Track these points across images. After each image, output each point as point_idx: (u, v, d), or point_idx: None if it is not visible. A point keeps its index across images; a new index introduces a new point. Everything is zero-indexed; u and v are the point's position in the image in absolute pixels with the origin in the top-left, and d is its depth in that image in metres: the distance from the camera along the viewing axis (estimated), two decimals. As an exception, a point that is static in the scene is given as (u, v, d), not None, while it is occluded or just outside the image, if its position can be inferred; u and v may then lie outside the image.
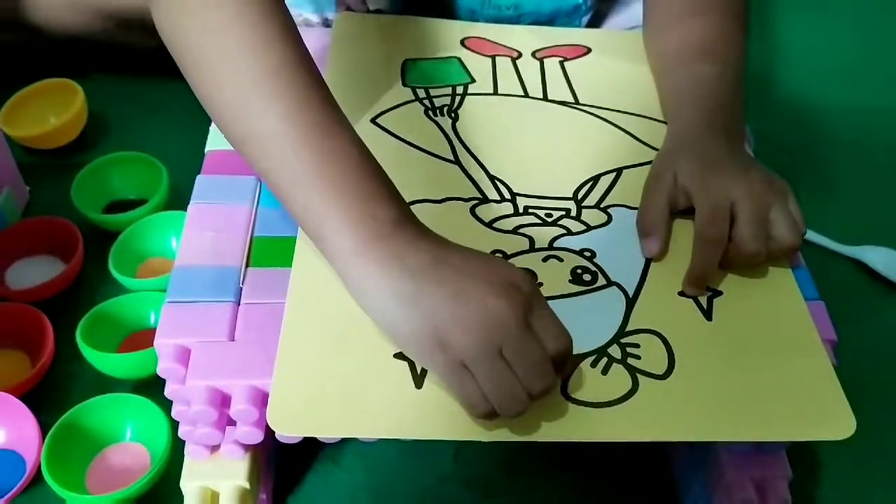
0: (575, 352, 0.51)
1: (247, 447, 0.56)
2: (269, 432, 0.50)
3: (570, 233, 0.58)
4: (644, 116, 0.68)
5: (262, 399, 0.51)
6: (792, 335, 0.54)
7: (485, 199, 0.60)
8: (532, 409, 0.47)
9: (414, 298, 0.46)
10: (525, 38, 0.75)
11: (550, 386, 0.46)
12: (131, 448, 0.64)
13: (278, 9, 0.52)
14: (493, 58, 0.72)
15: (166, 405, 0.56)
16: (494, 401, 0.45)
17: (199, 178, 0.61)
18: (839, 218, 0.87)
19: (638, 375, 0.51)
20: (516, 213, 0.59)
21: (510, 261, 0.56)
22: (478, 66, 0.71)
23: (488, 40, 0.74)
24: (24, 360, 0.70)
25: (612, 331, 0.53)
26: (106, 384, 0.67)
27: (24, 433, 0.63)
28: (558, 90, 0.70)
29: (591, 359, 0.51)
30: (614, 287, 0.55)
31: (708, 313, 0.54)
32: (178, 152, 0.77)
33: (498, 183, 0.61)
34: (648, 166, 0.61)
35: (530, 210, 0.59)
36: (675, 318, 0.54)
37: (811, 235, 0.84)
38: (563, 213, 0.60)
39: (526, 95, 0.69)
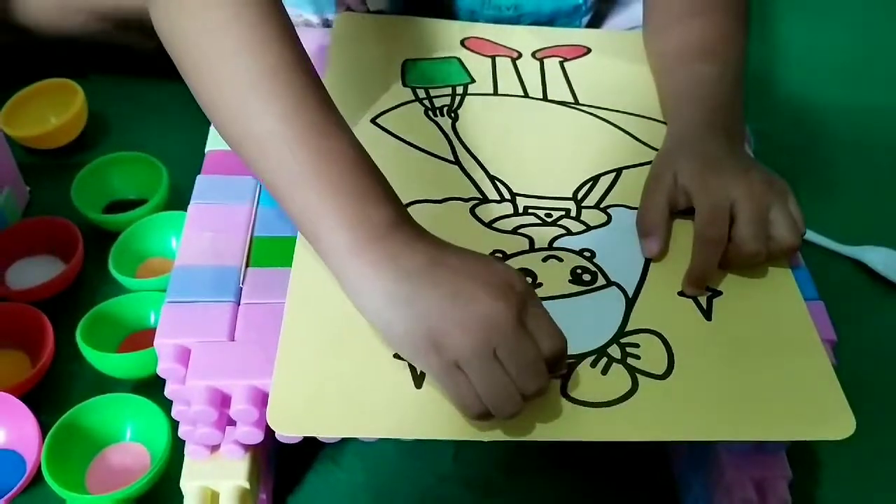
0: (575, 352, 0.51)
1: (247, 447, 0.56)
2: (269, 432, 0.50)
3: (569, 233, 0.58)
4: (644, 117, 0.68)
5: (262, 399, 0.51)
6: (792, 335, 0.54)
7: (485, 200, 0.60)
8: (526, 410, 0.47)
9: (408, 300, 0.46)
10: (525, 38, 0.75)
11: (544, 386, 0.46)
12: (131, 448, 0.64)
13: (276, 10, 0.52)
14: (493, 58, 0.72)
15: (166, 405, 0.56)
16: (488, 401, 0.45)
17: (199, 178, 0.61)
18: (839, 218, 0.87)
19: (638, 375, 0.51)
20: (516, 214, 0.59)
21: (510, 261, 0.56)
22: (478, 66, 0.71)
23: (488, 40, 0.74)
24: (24, 360, 0.70)
25: (611, 331, 0.53)
26: (106, 384, 0.67)
27: (24, 433, 0.63)
28: (558, 90, 0.70)
29: (590, 359, 0.51)
30: (614, 287, 0.55)
31: (708, 313, 0.54)
32: (178, 152, 0.77)
33: (498, 183, 0.61)
34: (648, 166, 0.61)
35: (530, 210, 0.59)
36: (675, 318, 0.54)
37: (811, 235, 0.84)
38: (563, 213, 0.60)
39: (526, 96, 0.69)
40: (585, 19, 0.82)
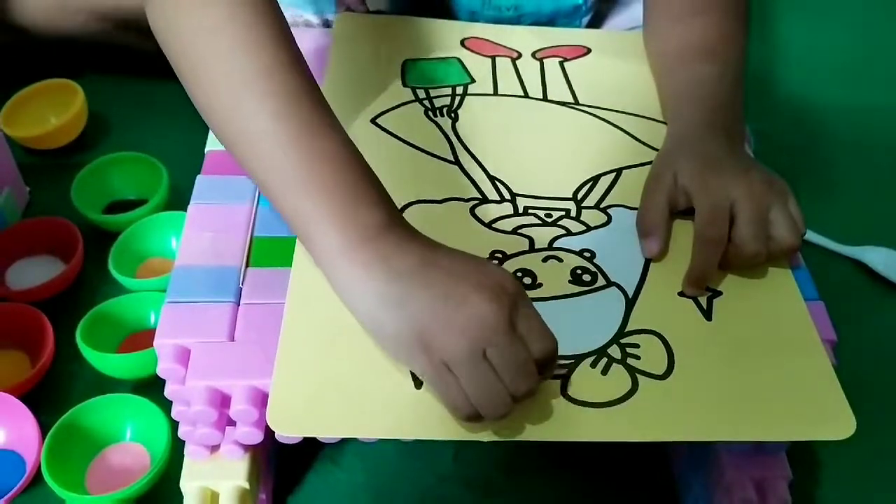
0: (575, 352, 0.51)
1: (246, 447, 0.56)
2: (268, 432, 0.50)
3: (569, 233, 0.58)
4: (644, 117, 0.68)
5: (261, 399, 0.51)
6: (792, 335, 0.54)
7: (485, 200, 0.60)
8: (517, 411, 0.47)
9: (400, 301, 0.46)
10: (525, 38, 0.75)
11: (534, 388, 0.46)
12: (131, 448, 0.64)
13: (272, 10, 0.52)
14: (493, 58, 0.72)
15: (166, 405, 0.56)
16: (478, 403, 0.45)
17: (198, 178, 0.61)
18: (839, 218, 0.87)
19: (638, 375, 0.51)
20: (516, 214, 0.59)
21: (510, 261, 0.56)
22: (478, 66, 0.71)
23: (488, 41, 0.74)
24: (24, 361, 0.70)
25: (611, 331, 0.53)
26: (106, 384, 0.67)
27: (24, 433, 0.63)
28: (558, 90, 0.70)
29: (590, 359, 0.51)
30: (614, 287, 0.55)
31: (708, 313, 0.54)
32: (178, 152, 0.77)
33: (498, 183, 0.61)
34: (648, 167, 0.61)
35: (530, 210, 0.59)
36: (675, 319, 0.54)
37: (811, 235, 0.84)
38: (563, 213, 0.60)
39: (526, 96, 0.69)
40: (585, 19, 0.82)
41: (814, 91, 1.03)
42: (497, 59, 0.72)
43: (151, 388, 0.65)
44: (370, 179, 0.50)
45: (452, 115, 0.66)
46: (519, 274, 0.55)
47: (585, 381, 0.50)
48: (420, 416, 0.48)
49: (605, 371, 0.51)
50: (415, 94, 0.68)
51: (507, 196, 0.60)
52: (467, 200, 0.60)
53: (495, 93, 0.69)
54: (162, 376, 0.52)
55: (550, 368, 0.48)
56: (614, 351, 0.52)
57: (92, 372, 0.68)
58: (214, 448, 0.56)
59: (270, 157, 0.50)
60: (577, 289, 0.55)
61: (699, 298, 0.55)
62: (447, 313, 0.45)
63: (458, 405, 0.46)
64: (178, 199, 0.78)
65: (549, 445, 0.48)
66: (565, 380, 0.50)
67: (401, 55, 0.71)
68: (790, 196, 0.57)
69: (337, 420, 0.48)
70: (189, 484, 0.56)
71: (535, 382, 0.46)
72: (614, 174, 0.63)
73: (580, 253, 0.57)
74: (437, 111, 0.67)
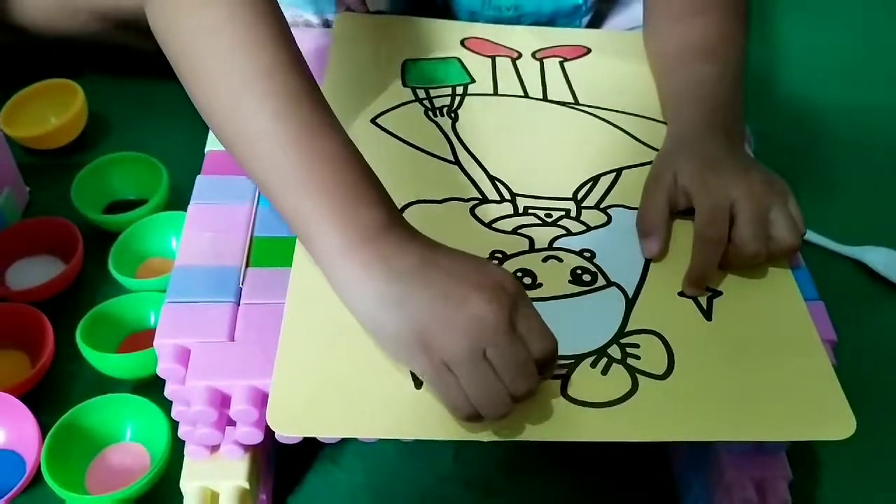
0: (575, 352, 0.51)
1: (246, 447, 0.56)
2: (268, 432, 0.50)
3: (569, 233, 0.58)
4: (644, 117, 0.68)
5: (261, 399, 0.51)
6: (792, 335, 0.54)
7: (485, 200, 0.60)
8: (517, 411, 0.47)
9: (399, 301, 0.46)
10: (525, 38, 0.75)
11: (534, 388, 0.46)
12: (131, 448, 0.64)
13: (271, 10, 0.52)
14: (493, 58, 0.72)
15: (166, 405, 0.56)
16: (477, 403, 0.45)
17: (198, 178, 0.61)
18: (839, 218, 0.87)
19: (638, 375, 0.51)
20: (516, 214, 0.59)
21: (510, 261, 0.56)
22: (478, 66, 0.71)
23: (488, 41, 0.74)
24: (24, 361, 0.70)
25: (611, 331, 0.53)
26: (106, 384, 0.67)
27: (24, 433, 0.63)
28: (558, 90, 0.70)
29: (590, 359, 0.51)
30: (614, 287, 0.55)
31: (708, 313, 0.54)
32: (178, 152, 0.77)
33: (498, 183, 0.61)
34: (648, 167, 0.61)
35: (530, 210, 0.59)
36: (675, 319, 0.54)
37: (811, 235, 0.84)
38: (563, 213, 0.60)
39: (526, 96, 0.69)
40: (585, 19, 0.82)
41: (814, 91, 1.03)
42: (497, 58, 0.72)
43: (151, 388, 0.65)
44: (370, 179, 0.50)
45: (452, 115, 0.66)
46: (519, 274, 0.55)
47: (585, 381, 0.50)
48: (420, 416, 0.48)
49: (605, 371, 0.51)
50: (415, 93, 0.68)
51: (507, 196, 0.60)
52: (467, 200, 0.60)
53: (495, 93, 0.69)
54: (162, 376, 0.52)
55: (550, 368, 0.48)
56: (614, 351, 0.52)
57: (92, 372, 0.68)
58: (214, 448, 0.56)
59: (270, 157, 0.50)
60: (577, 289, 0.55)
61: (699, 298, 0.55)
62: (447, 313, 0.45)
63: (458, 405, 0.46)
64: (178, 199, 0.78)
65: (549, 445, 0.48)
66: (565, 380, 0.50)
67: (401, 55, 0.71)
68: (790, 196, 0.57)
69: (337, 420, 0.48)
70: (189, 484, 0.56)
71: (534, 382, 0.46)
72: (614, 174, 0.63)
73: (580, 253, 0.57)
74: (437, 111, 0.67)
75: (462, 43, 0.73)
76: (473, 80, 0.70)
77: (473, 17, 0.78)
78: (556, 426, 0.48)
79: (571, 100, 0.69)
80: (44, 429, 0.62)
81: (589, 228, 0.59)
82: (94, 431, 0.64)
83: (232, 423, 0.53)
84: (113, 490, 0.60)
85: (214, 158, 0.62)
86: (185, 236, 0.57)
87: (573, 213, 0.60)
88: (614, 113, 0.68)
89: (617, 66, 0.73)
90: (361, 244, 0.47)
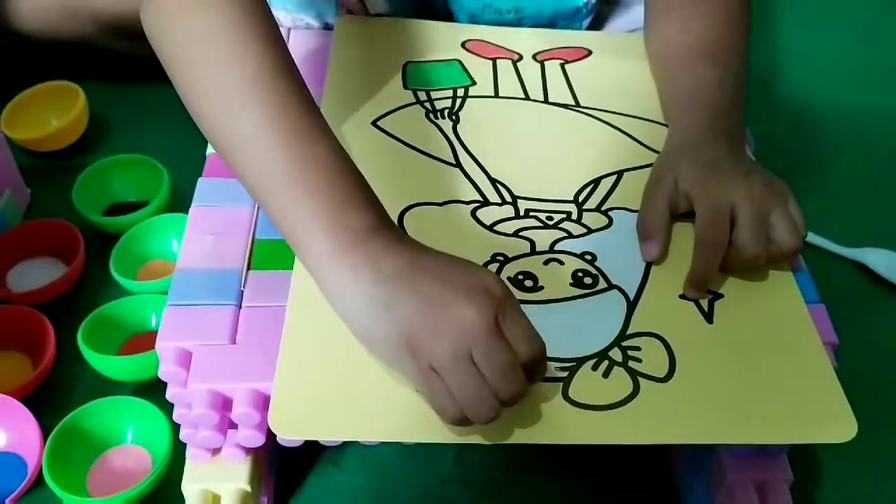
0: (576, 355, 0.51)
1: (248, 450, 0.56)
2: (270, 435, 0.50)
3: (570, 236, 0.58)
4: (645, 119, 0.68)
5: (263, 402, 0.51)
6: (793, 338, 0.54)
7: (486, 202, 0.60)
8: (508, 415, 0.46)
9: (387, 304, 0.46)
10: (526, 40, 0.75)
11: (521, 391, 0.46)
12: (132, 451, 0.64)
13: (262, 14, 0.53)
14: (494, 60, 0.72)
15: (167, 408, 0.56)
16: (464, 406, 0.45)
17: (200, 180, 0.61)
18: (840, 220, 0.87)
19: (639, 378, 0.51)
20: (517, 216, 0.59)
21: (511, 264, 0.56)
22: (479, 68, 0.71)
23: (489, 43, 0.74)
24: (25, 363, 0.70)
25: (613, 334, 0.53)
26: (107, 387, 0.67)
27: (25, 436, 0.63)
28: (559, 93, 0.70)
29: (592, 362, 0.51)
30: (615, 290, 0.55)
31: (709, 316, 0.54)
32: (179, 155, 0.77)
33: (499, 186, 0.61)
34: (649, 169, 0.61)
35: (531, 213, 0.59)
36: (676, 321, 0.54)
37: (811, 237, 0.84)
38: (564, 216, 0.60)
39: (527, 98, 0.69)
40: (586, 22, 0.82)
41: (814, 93, 1.03)
42: (498, 61, 0.72)
43: (153, 390, 0.65)
44: (359, 183, 0.50)
45: (453, 117, 0.66)
46: (520, 277, 0.55)
47: (587, 384, 0.50)
48: (421, 419, 0.48)
49: (606, 374, 0.51)
50: (416, 96, 0.68)
51: (509, 198, 0.60)
52: (468, 203, 0.60)
53: (496, 95, 0.69)
54: (163, 379, 0.52)
55: (539, 372, 0.48)
56: (615, 354, 0.52)
57: (93, 374, 0.68)
58: (216, 451, 0.56)
59: (258, 162, 0.50)
60: (578, 291, 0.55)
61: (700, 301, 0.55)
62: (434, 317, 0.45)
63: (445, 409, 0.46)
64: (180, 202, 0.78)
65: (550, 447, 0.48)
66: (566, 383, 0.50)
67: (402, 57, 0.71)
68: (791, 199, 0.57)
69: (338, 423, 0.48)
70: (190, 487, 0.56)
71: (521, 385, 0.46)
72: (615, 177, 0.63)
73: (581, 256, 0.57)
74: (438, 113, 0.67)
75: (463, 45, 0.73)
76: (474, 83, 0.70)
77: (474, 20, 0.78)
78: (558, 429, 0.48)
79: (572, 102, 0.69)
80: (45, 431, 0.62)
81: (590, 231, 0.59)
82: (95, 434, 0.64)
83: (233, 425, 0.53)
84: (114, 493, 0.60)
85: (216, 161, 0.62)
86: (187, 239, 0.57)
87: (574, 216, 0.60)
88: (615, 115, 0.68)
89: (618, 68, 0.73)
90: (350, 247, 0.47)
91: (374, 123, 0.65)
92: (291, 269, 0.54)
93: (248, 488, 0.56)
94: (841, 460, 0.68)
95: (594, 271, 0.56)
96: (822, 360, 0.53)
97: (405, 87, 0.69)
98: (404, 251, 0.48)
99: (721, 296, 0.56)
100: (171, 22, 0.53)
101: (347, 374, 0.49)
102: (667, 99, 0.67)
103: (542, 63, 0.72)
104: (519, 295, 0.53)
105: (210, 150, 0.63)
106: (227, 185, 0.60)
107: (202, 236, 0.57)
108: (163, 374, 0.51)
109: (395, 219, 0.55)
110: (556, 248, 0.57)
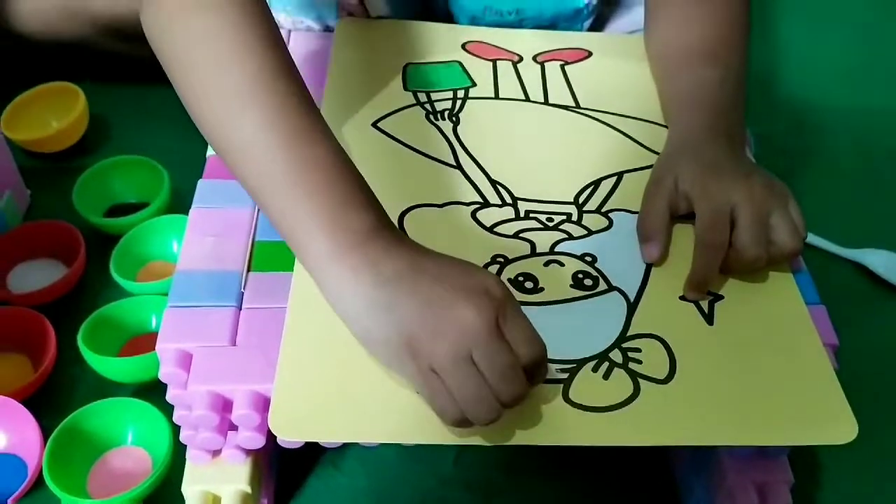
0: (576, 356, 0.51)
1: (248, 452, 0.56)
2: (270, 437, 0.50)
3: (571, 237, 0.58)
4: (645, 120, 0.68)
5: (263, 404, 0.51)
6: (793, 339, 0.54)
7: (486, 204, 0.60)
8: (508, 417, 0.46)
9: (387, 306, 0.46)
10: (526, 41, 0.75)
11: (522, 392, 0.46)
12: (133, 452, 0.64)
13: (262, 16, 0.53)
14: (494, 62, 0.72)
15: (168, 409, 0.56)
16: (464, 407, 0.45)
17: (200, 182, 0.61)
18: (839, 220, 0.87)
19: (639, 380, 0.51)
20: (517, 218, 0.59)
21: (512, 265, 0.56)
22: (479, 69, 0.71)
23: (489, 44, 0.74)
24: (25, 364, 0.70)
25: (613, 335, 0.53)
26: (107, 388, 0.68)
27: (25, 437, 0.63)
28: (559, 94, 0.70)
29: (592, 363, 0.51)
30: (615, 292, 0.55)
31: (709, 317, 0.54)
32: (179, 156, 0.77)
33: (499, 187, 0.61)
34: (649, 170, 0.61)
35: (531, 214, 0.59)
36: (677, 323, 0.54)
37: (811, 238, 0.84)
38: (565, 217, 0.60)
39: (527, 99, 0.69)
40: (587, 23, 0.82)
41: (814, 94, 1.04)
42: (498, 62, 0.72)
43: (153, 391, 0.65)
44: (359, 184, 0.50)
45: (454, 118, 0.66)
46: (521, 278, 0.55)
47: (587, 386, 0.50)
48: (421, 420, 0.48)
49: (606, 375, 0.51)
50: (416, 97, 0.68)
51: (509, 200, 0.60)
52: (468, 204, 0.60)
53: (496, 96, 0.69)
54: (164, 380, 0.52)
55: (540, 374, 0.48)
56: (616, 355, 0.52)
57: (93, 376, 0.68)
58: (216, 452, 0.56)
59: (258, 164, 0.50)
60: (578, 293, 0.55)
61: (700, 302, 0.55)
62: (434, 318, 0.45)
63: (445, 410, 0.46)
64: (180, 203, 0.78)
65: (551, 448, 0.48)
66: (567, 384, 0.50)
67: (402, 59, 0.71)
68: (791, 200, 0.57)
69: (339, 424, 0.48)
70: (191, 488, 0.56)
71: (522, 387, 0.46)
72: (615, 178, 0.63)
73: (581, 257, 0.57)
74: (439, 115, 0.67)
75: (463, 47, 0.73)
76: (475, 84, 0.70)
77: (475, 22, 0.78)
78: (558, 430, 0.48)
79: (573, 103, 0.69)
80: (45, 432, 0.62)
81: (590, 232, 0.59)
82: (95, 435, 0.64)
83: (233, 427, 0.53)
84: (114, 494, 0.60)
85: (216, 162, 0.62)
86: (187, 240, 0.57)
87: (574, 217, 0.60)
88: (615, 116, 0.68)
89: (618, 69, 0.73)
90: (350, 249, 0.47)
91: (374, 125, 0.65)
92: (291, 270, 0.54)
93: (249, 490, 0.56)
94: (841, 461, 0.68)
95: (594, 273, 0.56)
96: (823, 362, 0.53)
97: (405, 88, 0.69)
98: (404, 253, 0.48)
99: (721, 297, 0.56)
100: (171, 24, 0.53)
101: (347, 376, 0.49)
102: (667, 99, 0.67)
103: (542, 64, 0.72)
104: (519, 296, 0.53)
105: (210, 151, 0.63)
106: (228, 187, 0.60)
107: (202, 238, 0.57)
108: (163, 375, 0.51)
109: (395, 220, 0.55)
110: (557, 249, 0.57)
